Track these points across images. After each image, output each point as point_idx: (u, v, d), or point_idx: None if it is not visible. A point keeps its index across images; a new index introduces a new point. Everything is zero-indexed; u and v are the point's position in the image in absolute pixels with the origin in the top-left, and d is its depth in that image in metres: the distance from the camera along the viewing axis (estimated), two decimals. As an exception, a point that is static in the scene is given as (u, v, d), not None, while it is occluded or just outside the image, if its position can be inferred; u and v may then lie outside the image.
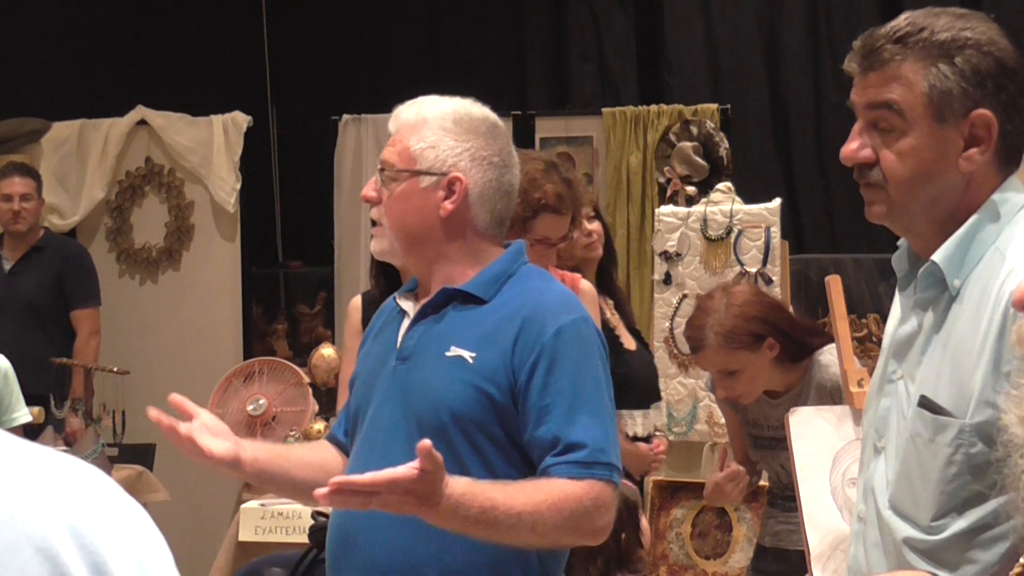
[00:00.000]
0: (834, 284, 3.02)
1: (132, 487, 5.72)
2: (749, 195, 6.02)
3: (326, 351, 5.81)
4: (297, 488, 2.71)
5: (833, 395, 3.48)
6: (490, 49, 8.45)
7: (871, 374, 2.80)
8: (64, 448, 5.49)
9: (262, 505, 5.14)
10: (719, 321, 3.55)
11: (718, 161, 6.74)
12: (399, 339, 2.61)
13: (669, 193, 6.72)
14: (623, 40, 8.07)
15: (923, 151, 1.93)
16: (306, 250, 8.27)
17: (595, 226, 4.45)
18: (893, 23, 1.97)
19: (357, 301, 3.95)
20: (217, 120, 7.34)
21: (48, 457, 1.07)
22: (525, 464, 2.51)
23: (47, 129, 7.38)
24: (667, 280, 5.87)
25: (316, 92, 8.38)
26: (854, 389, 2.87)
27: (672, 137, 6.86)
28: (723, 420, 4.13)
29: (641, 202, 6.94)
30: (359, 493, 2.24)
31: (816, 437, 2.82)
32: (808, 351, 3.63)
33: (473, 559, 2.48)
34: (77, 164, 7.37)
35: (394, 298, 2.70)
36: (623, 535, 3.39)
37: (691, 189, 6.61)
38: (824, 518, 2.71)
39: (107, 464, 5.61)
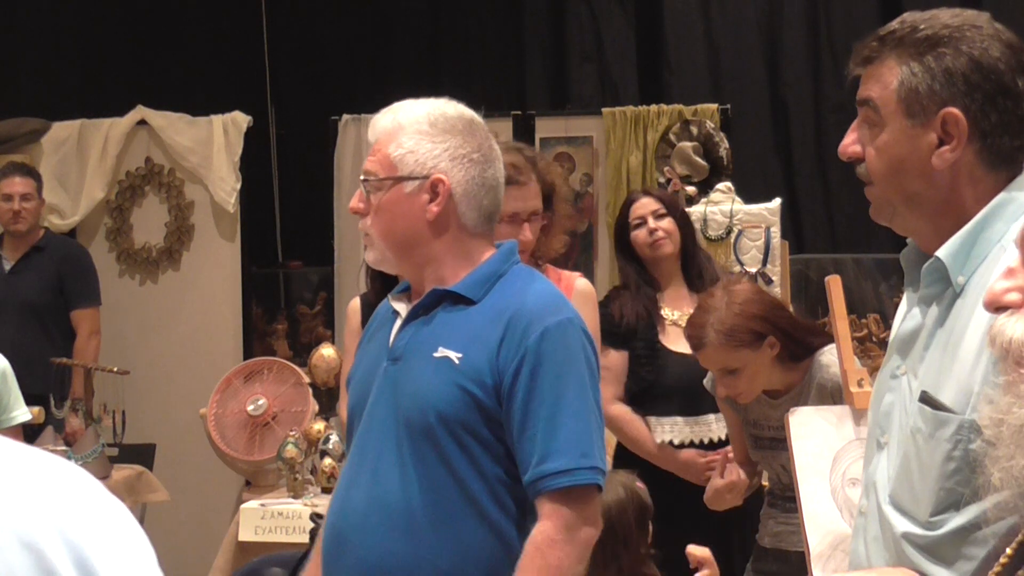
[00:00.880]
0: (834, 284, 3.02)
1: (132, 487, 5.72)
2: (749, 195, 6.03)
3: (326, 351, 5.81)
4: None
5: (834, 395, 3.49)
6: (490, 49, 8.45)
7: (871, 374, 2.80)
8: (64, 448, 5.49)
9: (262, 505, 5.14)
10: (720, 319, 3.57)
11: (718, 161, 6.73)
12: (391, 340, 2.61)
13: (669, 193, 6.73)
14: (623, 40, 8.07)
15: (895, 147, 1.97)
16: (306, 250, 8.27)
17: (663, 223, 4.45)
18: (890, 23, 2.00)
19: (356, 303, 3.95)
20: (217, 120, 7.34)
21: (35, 457, 1.07)
22: (511, 463, 2.51)
23: (47, 129, 7.38)
24: (667, 280, 5.86)
25: (316, 92, 8.38)
26: (854, 389, 2.87)
27: (672, 137, 6.85)
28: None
29: (641, 202, 6.94)
30: None
31: (816, 437, 2.82)
32: (809, 351, 3.64)
33: (466, 562, 2.48)
34: (77, 164, 7.36)
35: (388, 300, 2.70)
36: (633, 540, 3.42)
37: (691, 189, 6.61)
38: (824, 518, 2.71)
39: (107, 464, 5.61)
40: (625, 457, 4.32)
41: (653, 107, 7.03)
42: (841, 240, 7.63)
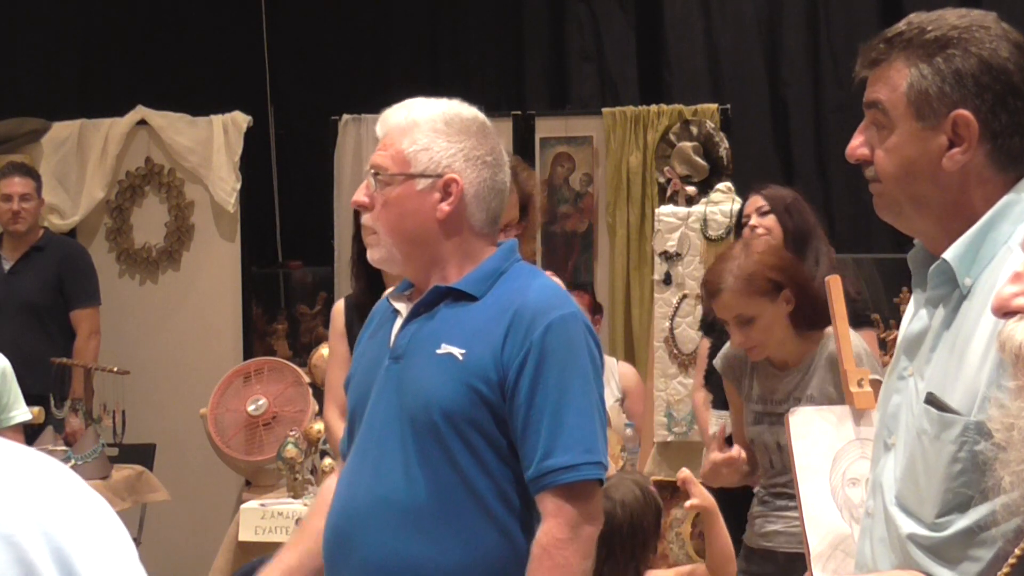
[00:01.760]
0: (834, 284, 3.02)
1: (132, 487, 5.72)
2: (749, 195, 6.01)
3: (326, 351, 5.80)
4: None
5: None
6: (490, 49, 8.45)
7: (871, 374, 2.80)
8: (64, 448, 5.49)
9: (262, 505, 5.14)
10: (739, 266, 3.60)
11: (718, 161, 6.73)
12: (392, 339, 2.61)
13: (669, 193, 6.72)
14: (623, 40, 8.07)
15: (905, 149, 1.96)
16: (306, 250, 8.27)
17: (765, 220, 4.47)
18: (897, 24, 2.00)
19: (340, 305, 3.94)
20: (217, 120, 7.34)
21: (14, 453, 1.08)
22: (516, 460, 2.51)
23: (47, 129, 7.38)
24: (667, 280, 5.87)
25: (316, 92, 8.38)
26: (854, 389, 2.86)
27: (672, 137, 6.85)
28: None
29: (641, 202, 6.94)
30: None
31: (816, 437, 2.82)
32: (821, 322, 3.60)
33: (471, 560, 2.48)
34: (77, 164, 7.36)
35: (387, 299, 2.70)
36: (652, 541, 3.43)
37: (691, 189, 6.61)
38: (824, 518, 2.71)
39: (107, 464, 5.61)
40: None
41: (653, 107, 7.03)
42: (841, 240, 7.61)
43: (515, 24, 8.40)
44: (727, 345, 3.83)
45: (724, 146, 6.74)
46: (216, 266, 7.29)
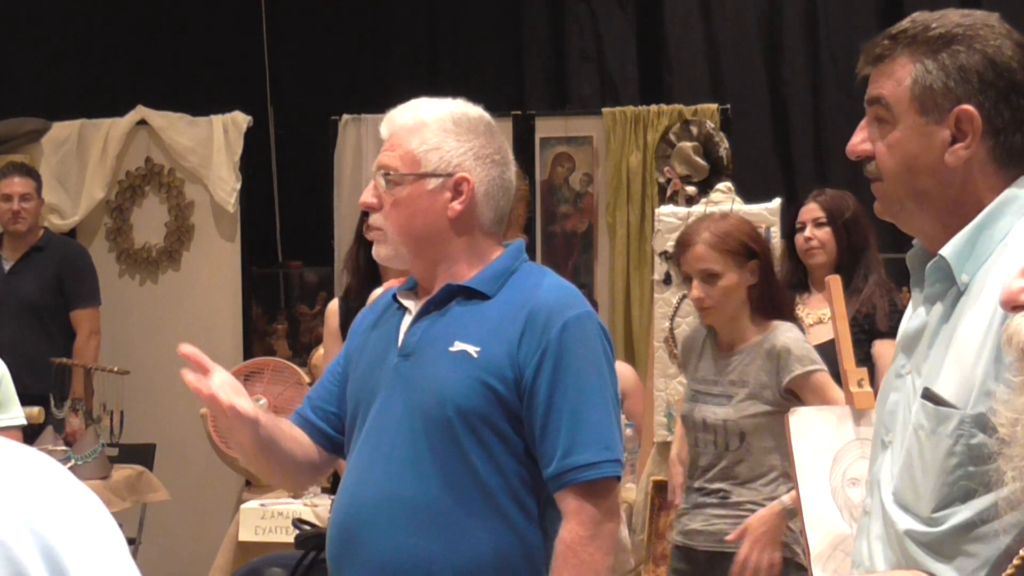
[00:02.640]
0: (834, 284, 3.03)
1: (132, 487, 5.72)
2: (749, 195, 6.00)
3: (326, 351, 5.81)
4: (285, 462, 2.68)
5: (781, 357, 3.62)
6: (489, 49, 8.45)
7: (871, 374, 2.80)
8: (64, 448, 5.49)
9: (262, 505, 5.14)
10: (716, 224, 3.76)
11: (718, 161, 6.73)
12: (400, 336, 2.60)
13: (669, 193, 6.72)
14: (622, 40, 8.07)
15: (908, 144, 1.97)
16: (306, 250, 8.26)
17: (820, 232, 4.47)
18: (901, 22, 2.01)
19: (335, 305, 3.93)
20: (217, 120, 7.34)
21: (5, 452, 1.07)
22: (530, 459, 2.51)
23: (47, 129, 7.38)
24: (667, 280, 5.86)
25: (316, 92, 8.37)
26: (854, 389, 2.87)
27: (672, 137, 6.85)
28: None
29: (641, 202, 6.94)
30: None
31: (816, 437, 2.82)
32: (774, 313, 3.75)
33: (480, 557, 2.48)
34: (77, 164, 7.37)
35: (393, 295, 2.70)
36: None
37: (691, 189, 6.61)
38: (824, 518, 2.71)
39: (107, 464, 5.61)
40: None
41: (653, 107, 7.04)
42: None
43: (515, 24, 8.39)
44: (688, 328, 3.91)
45: (724, 146, 6.74)
46: (216, 266, 7.30)
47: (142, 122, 7.39)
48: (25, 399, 4.42)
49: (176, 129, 7.35)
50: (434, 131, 2.57)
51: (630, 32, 8.06)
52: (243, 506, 5.22)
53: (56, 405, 5.85)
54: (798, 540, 3.70)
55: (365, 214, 2.87)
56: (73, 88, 7.93)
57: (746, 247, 3.70)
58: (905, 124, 1.97)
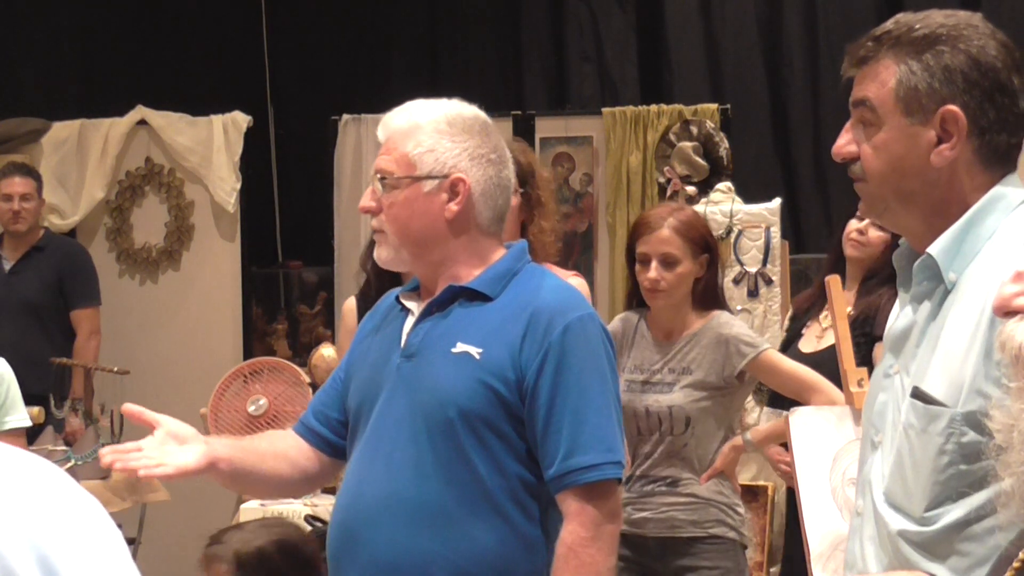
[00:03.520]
0: (834, 284, 3.03)
1: (132, 487, 5.72)
2: (749, 195, 6.03)
3: (326, 351, 5.80)
4: (268, 483, 2.70)
5: (730, 343, 3.76)
6: (489, 49, 8.44)
7: (871, 374, 2.81)
8: (64, 448, 5.49)
9: (262, 505, 5.14)
10: (681, 212, 3.94)
11: (718, 161, 6.73)
12: (403, 337, 2.61)
13: (669, 193, 6.72)
14: (622, 40, 8.07)
15: (894, 145, 1.97)
16: (306, 250, 8.26)
17: (873, 235, 4.47)
18: (884, 24, 2.01)
19: (352, 303, 3.93)
20: (217, 120, 7.34)
21: (3, 457, 1.07)
22: (531, 460, 2.52)
23: (47, 129, 7.38)
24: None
25: (315, 92, 8.37)
26: (854, 389, 2.87)
27: (672, 137, 6.85)
28: None
29: (641, 202, 6.94)
30: None
31: (816, 437, 2.82)
32: (714, 306, 3.88)
33: (481, 557, 2.49)
34: (77, 164, 7.37)
35: (396, 296, 2.70)
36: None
37: (691, 189, 6.61)
38: (824, 518, 2.71)
39: (107, 464, 5.60)
40: None
41: (653, 107, 7.03)
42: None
43: (515, 24, 8.39)
44: (614, 320, 4.05)
45: (724, 146, 6.74)
46: (216, 266, 7.30)
47: (142, 122, 7.39)
48: (25, 399, 4.42)
49: (176, 129, 7.35)
50: (428, 133, 2.58)
51: (630, 32, 8.06)
52: (243, 506, 5.22)
53: (56, 405, 5.85)
54: (745, 522, 3.89)
55: None
56: (73, 88, 7.94)
57: (704, 240, 3.86)
58: (890, 125, 1.97)
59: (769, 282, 5.70)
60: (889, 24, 2.00)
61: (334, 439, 2.73)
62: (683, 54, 7.89)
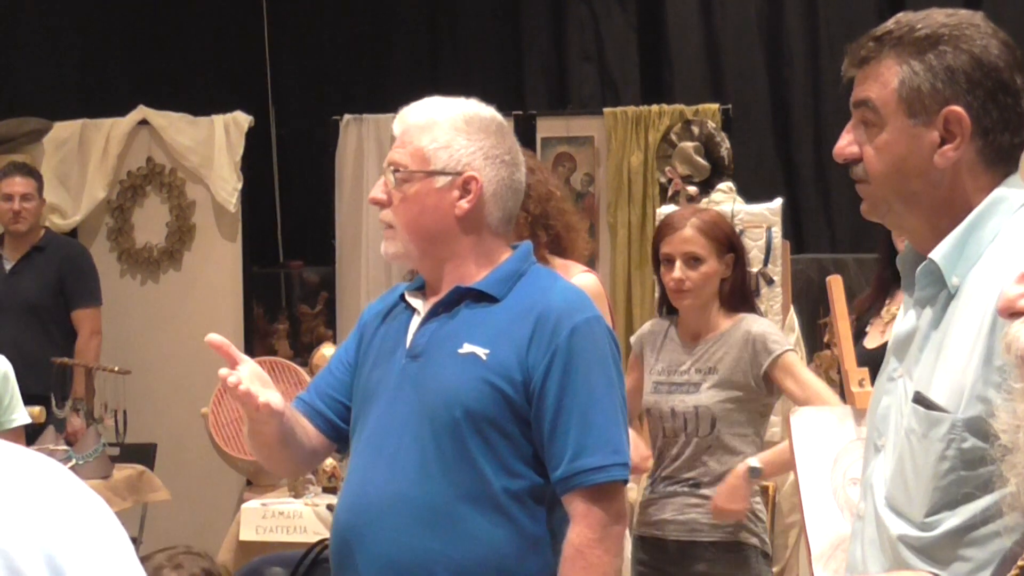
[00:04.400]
0: (835, 284, 3.03)
1: (133, 487, 5.72)
2: (750, 195, 6.01)
3: (327, 351, 5.81)
4: (296, 452, 2.68)
5: (756, 343, 3.74)
6: (490, 49, 8.44)
7: (872, 375, 2.81)
8: (65, 447, 5.49)
9: (263, 505, 5.14)
10: (703, 212, 3.95)
11: (719, 161, 6.73)
12: (409, 337, 2.61)
13: (670, 193, 6.72)
14: (624, 40, 8.07)
15: (896, 146, 1.96)
16: (307, 250, 8.27)
17: None
18: (885, 23, 2.01)
19: None
20: (218, 120, 7.34)
21: (11, 457, 1.07)
22: (537, 462, 2.52)
23: (48, 129, 7.38)
24: (668, 280, 5.86)
25: (317, 92, 8.38)
26: (855, 389, 2.87)
27: (673, 137, 6.86)
28: None
29: (642, 202, 6.94)
30: None
31: (817, 437, 2.82)
32: (743, 307, 3.86)
33: (486, 558, 2.49)
34: (78, 164, 7.36)
35: (401, 295, 2.70)
36: None
37: (692, 189, 6.61)
38: (825, 518, 2.71)
39: (108, 464, 5.61)
40: None
41: (654, 107, 7.03)
42: (842, 240, 7.63)
43: (515, 24, 8.39)
44: (645, 324, 4.05)
45: (725, 146, 6.74)
46: (217, 266, 7.30)
47: (143, 122, 7.39)
48: (26, 399, 4.44)
49: (177, 129, 7.35)
50: (445, 129, 2.58)
51: (631, 32, 8.06)
52: (244, 506, 5.22)
53: (57, 405, 5.85)
54: (767, 529, 3.83)
55: None
56: (74, 88, 7.94)
57: (728, 239, 3.85)
58: (893, 126, 1.96)
59: (770, 282, 5.68)
60: (890, 24, 1.99)
61: (338, 423, 2.72)
62: (684, 54, 7.89)
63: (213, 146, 7.29)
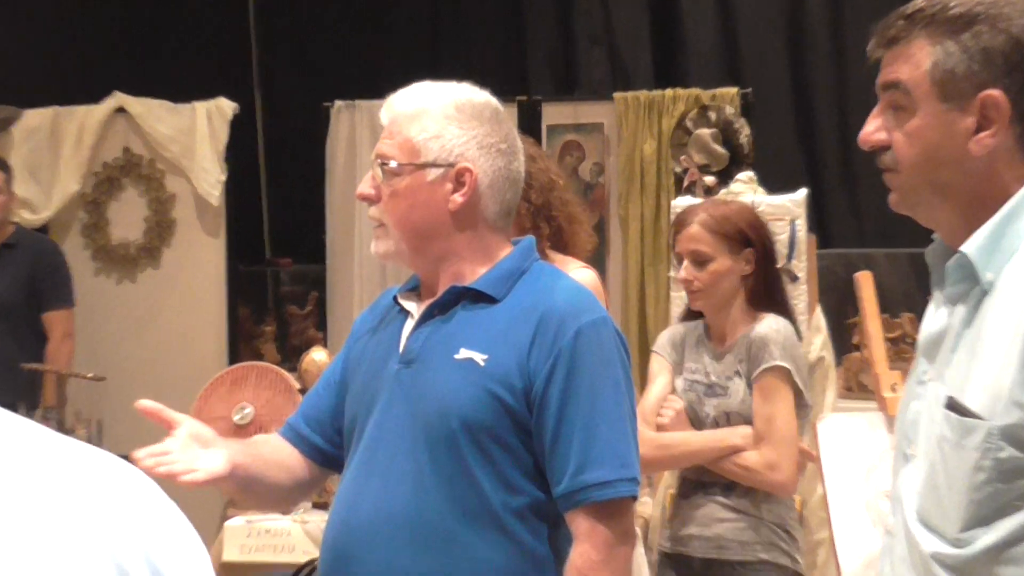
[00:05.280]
0: (864, 281, 3.01)
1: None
2: (772, 185, 5.99)
3: (317, 355, 5.79)
4: (270, 493, 2.69)
5: (753, 347, 3.71)
6: (492, 30, 8.44)
7: (904, 378, 2.78)
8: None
9: (248, 522, 5.10)
10: (716, 206, 3.91)
11: (738, 149, 6.72)
12: (402, 341, 2.59)
13: (686, 183, 6.71)
14: (635, 20, 8.05)
15: (929, 132, 1.94)
16: (296, 246, 8.26)
17: None
18: (915, 1, 1.98)
19: None
20: (200, 107, 7.33)
21: (106, 466, 1.12)
22: (539, 475, 2.49)
23: (18, 117, 7.38)
24: (684, 277, 5.85)
25: (307, 77, 8.36)
26: (887, 394, 2.85)
27: (689, 123, 6.84)
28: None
29: (656, 193, 6.93)
30: None
31: (846, 447, 2.80)
32: (769, 306, 3.81)
33: (481, 574, 2.46)
34: (50, 155, 7.36)
35: (394, 296, 2.68)
36: None
37: (709, 179, 6.59)
38: (856, 534, 2.69)
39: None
40: None
41: (668, 91, 7.01)
42: (872, 233, 7.61)
43: (520, 5, 8.38)
44: (677, 327, 4.04)
45: (745, 133, 6.73)
46: (199, 264, 7.29)
47: (120, 109, 7.38)
48: (-7, 407, 4.41)
49: (156, 116, 7.34)
50: (435, 118, 2.57)
51: (642, 12, 8.05)
52: (227, 523, 5.19)
53: (26, 414, 5.84)
54: (800, 549, 3.79)
55: None
56: (46, 73, 7.92)
57: (742, 234, 3.81)
58: (925, 111, 1.94)
59: (795, 279, 5.65)
60: (921, 2, 1.97)
61: (327, 448, 2.72)
62: (700, 35, 7.88)
63: (195, 135, 7.28)
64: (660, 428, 3.79)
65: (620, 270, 7.01)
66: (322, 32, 8.52)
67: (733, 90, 6.95)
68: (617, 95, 7.11)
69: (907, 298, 6.76)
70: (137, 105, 7.36)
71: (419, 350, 2.56)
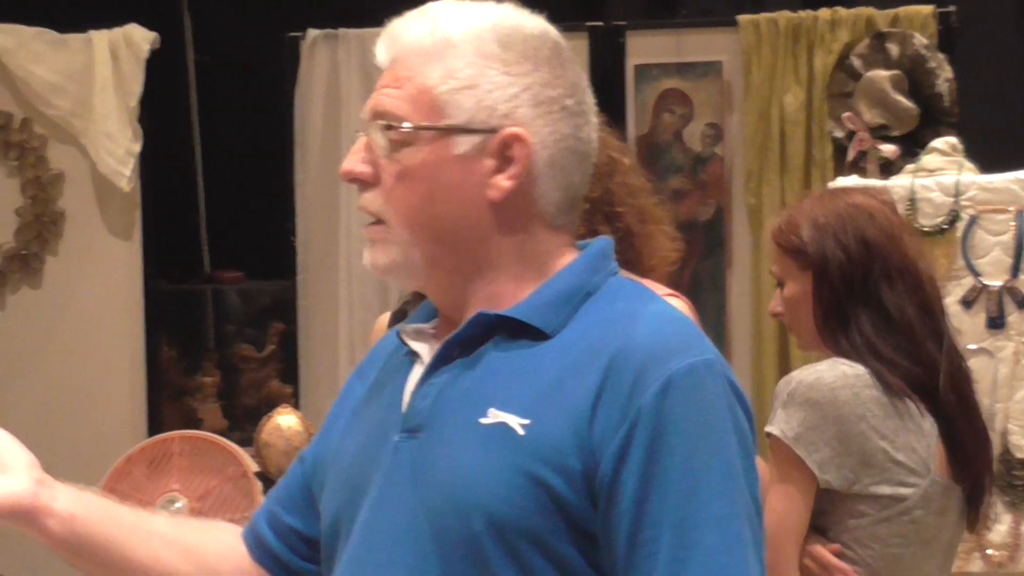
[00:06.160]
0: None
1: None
2: (987, 159, 6.01)
3: (285, 420, 5.82)
4: (132, 571, 2.70)
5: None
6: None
7: None
8: None
9: None
10: (815, 203, 4.08)
11: (934, 101, 6.74)
12: (405, 398, 2.60)
13: (852, 156, 6.73)
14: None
15: None
16: (250, 254, 8.29)
17: None
18: None
19: (384, 320, 3.95)
20: (99, 38, 7.38)
21: None
22: None
23: None
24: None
25: (262, -5, 8.42)
26: None
27: (856, 62, 6.86)
28: None
29: (804, 169, 6.96)
30: None
31: None
32: (832, 346, 3.94)
33: None
34: None
35: (397, 332, 2.69)
36: None
37: (888, 148, 6.61)
38: None
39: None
40: None
41: (824, 11, 7.05)
42: None
43: None
44: None
45: (945, 76, 6.74)
46: (101, 280, 7.35)
47: (-25, 43, 7.46)
48: None
49: (32, 54, 7.40)
50: (466, 56, 2.53)
51: None
52: None
53: None
54: None
55: None
56: None
57: (801, 249, 4.02)
58: None
59: (1022, 303, 5.68)
60: None
61: (287, 556, 2.74)
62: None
63: (93, 83, 7.34)
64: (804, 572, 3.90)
65: (748, 284, 7.03)
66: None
67: (927, 8, 6.97)
68: (743, 18, 7.14)
69: None
70: (4, 36, 7.43)
71: (429, 411, 2.53)
